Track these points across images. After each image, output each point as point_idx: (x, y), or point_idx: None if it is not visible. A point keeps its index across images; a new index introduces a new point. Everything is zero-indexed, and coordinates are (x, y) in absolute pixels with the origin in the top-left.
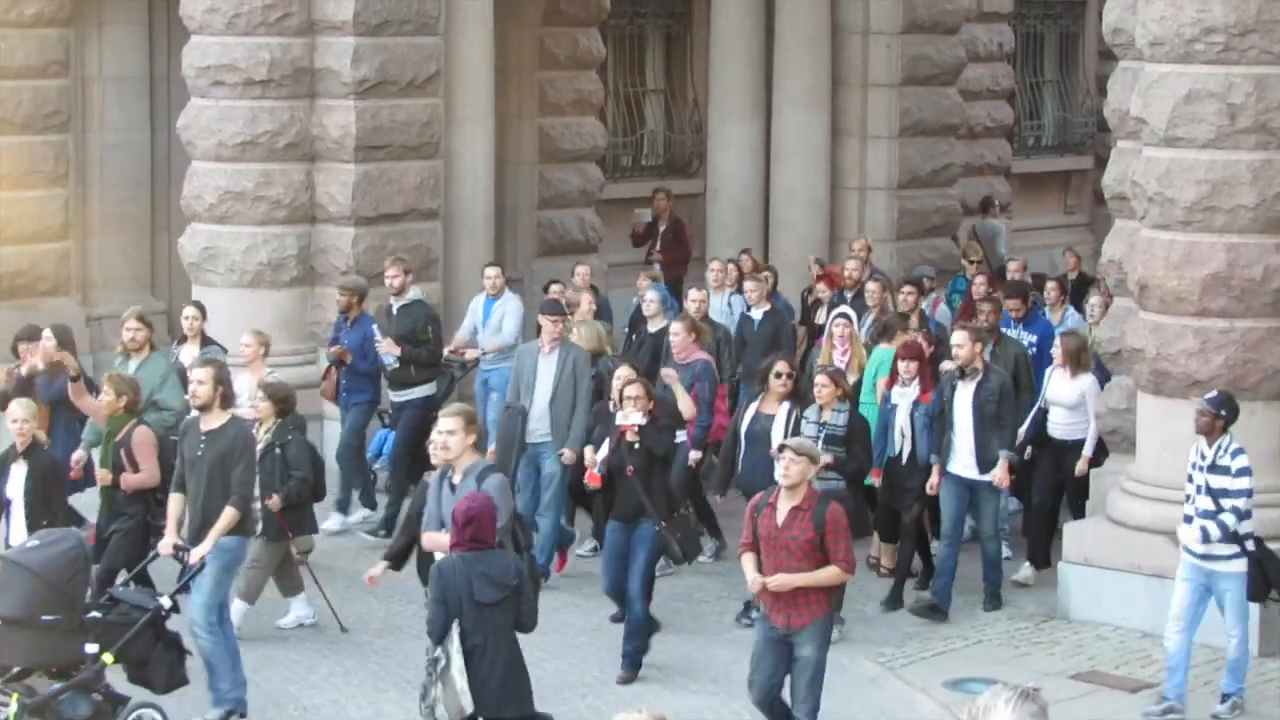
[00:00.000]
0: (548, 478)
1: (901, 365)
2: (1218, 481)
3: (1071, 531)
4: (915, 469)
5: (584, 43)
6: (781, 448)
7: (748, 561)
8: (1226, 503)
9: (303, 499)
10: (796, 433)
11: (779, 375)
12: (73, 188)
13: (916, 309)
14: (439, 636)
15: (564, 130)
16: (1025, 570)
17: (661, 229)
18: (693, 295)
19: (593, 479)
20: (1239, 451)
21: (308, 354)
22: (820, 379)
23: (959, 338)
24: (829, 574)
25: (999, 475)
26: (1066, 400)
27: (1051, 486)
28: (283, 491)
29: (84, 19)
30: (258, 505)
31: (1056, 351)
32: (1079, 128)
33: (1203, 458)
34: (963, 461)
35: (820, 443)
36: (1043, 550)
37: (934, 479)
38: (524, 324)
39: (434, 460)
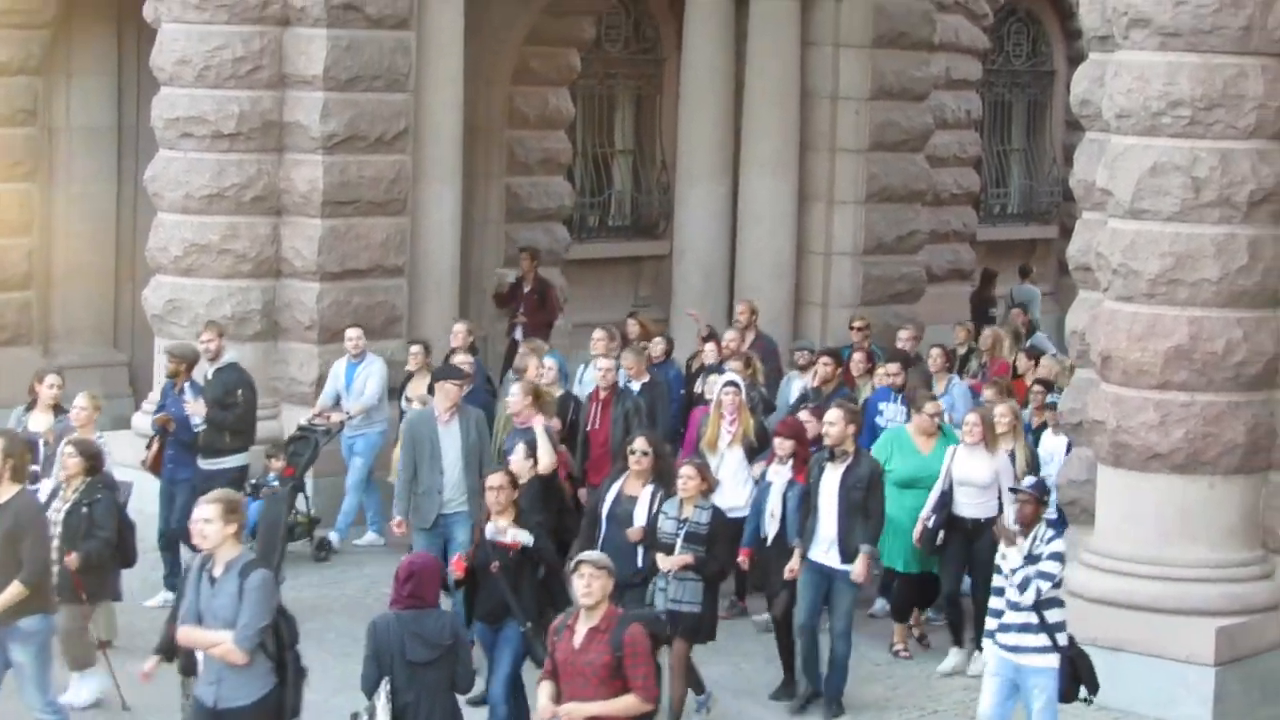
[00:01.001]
0: (460, 547)
1: (777, 443)
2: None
3: None
4: (783, 553)
5: (553, 102)
6: (578, 565)
7: (543, 691)
8: (1035, 567)
9: (103, 560)
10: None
11: (634, 453)
12: (37, 237)
13: (834, 380)
14: (369, 693)
15: (531, 189)
16: (950, 660)
17: (526, 290)
18: (601, 365)
19: (457, 566)
20: (1055, 537)
21: (270, 409)
22: (685, 471)
23: (832, 415)
24: (625, 703)
25: (858, 570)
26: (979, 479)
27: (964, 569)
28: (82, 550)
29: (53, 68)
30: (57, 570)
31: (966, 428)
32: (1045, 196)
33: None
34: (823, 549)
35: (680, 540)
36: (958, 634)
37: (793, 563)
38: (386, 387)
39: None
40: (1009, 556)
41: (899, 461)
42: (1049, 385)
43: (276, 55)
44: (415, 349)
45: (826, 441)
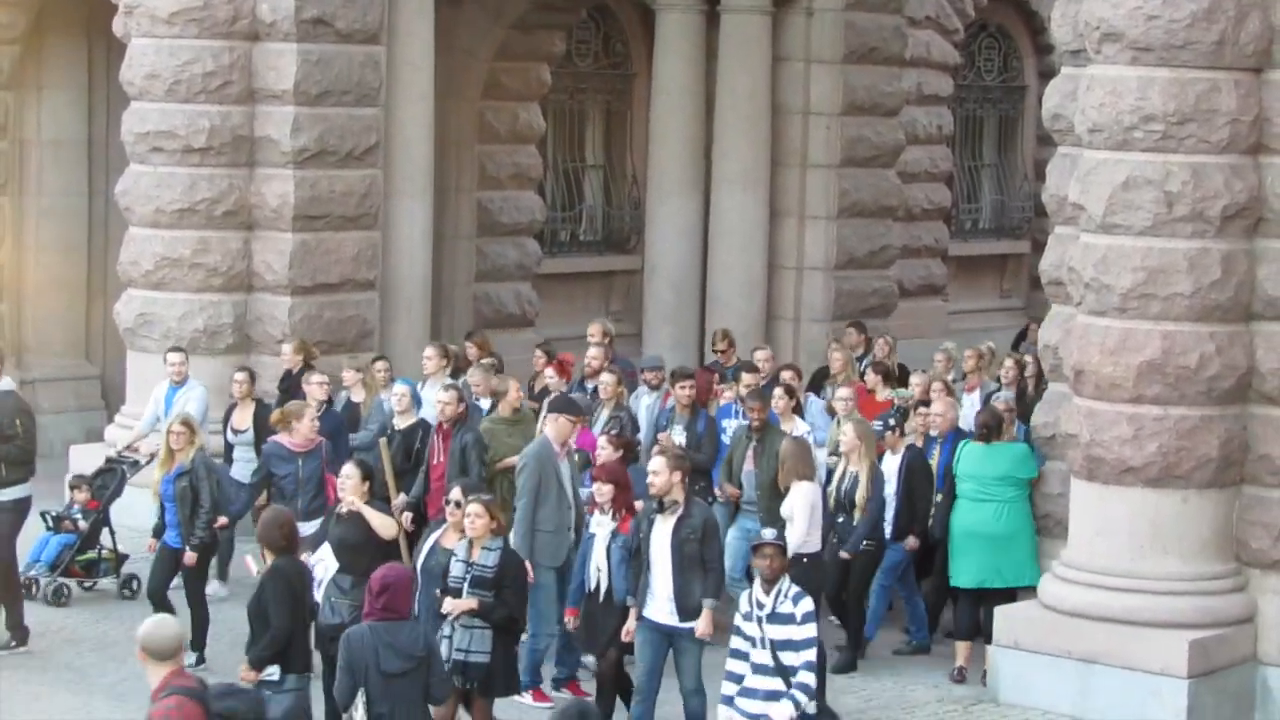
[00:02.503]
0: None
1: (595, 489)
2: (780, 632)
3: (1002, 615)
4: (611, 609)
5: (524, 117)
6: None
7: None
8: (792, 657)
9: None
10: None
11: (449, 504)
12: (9, 251)
13: (691, 403)
14: (345, 704)
15: (502, 204)
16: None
17: None
18: (441, 397)
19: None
20: (800, 595)
21: None
22: (473, 509)
23: (655, 464)
24: None
25: (702, 627)
26: (785, 512)
27: None
28: None
29: (23, 83)
30: None
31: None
32: (1016, 212)
33: (759, 606)
34: (660, 607)
35: (466, 585)
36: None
37: (630, 624)
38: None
39: None
40: (749, 618)
41: None
42: (923, 403)
43: (246, 70)
44: (240, 376)
45: (652, 491)
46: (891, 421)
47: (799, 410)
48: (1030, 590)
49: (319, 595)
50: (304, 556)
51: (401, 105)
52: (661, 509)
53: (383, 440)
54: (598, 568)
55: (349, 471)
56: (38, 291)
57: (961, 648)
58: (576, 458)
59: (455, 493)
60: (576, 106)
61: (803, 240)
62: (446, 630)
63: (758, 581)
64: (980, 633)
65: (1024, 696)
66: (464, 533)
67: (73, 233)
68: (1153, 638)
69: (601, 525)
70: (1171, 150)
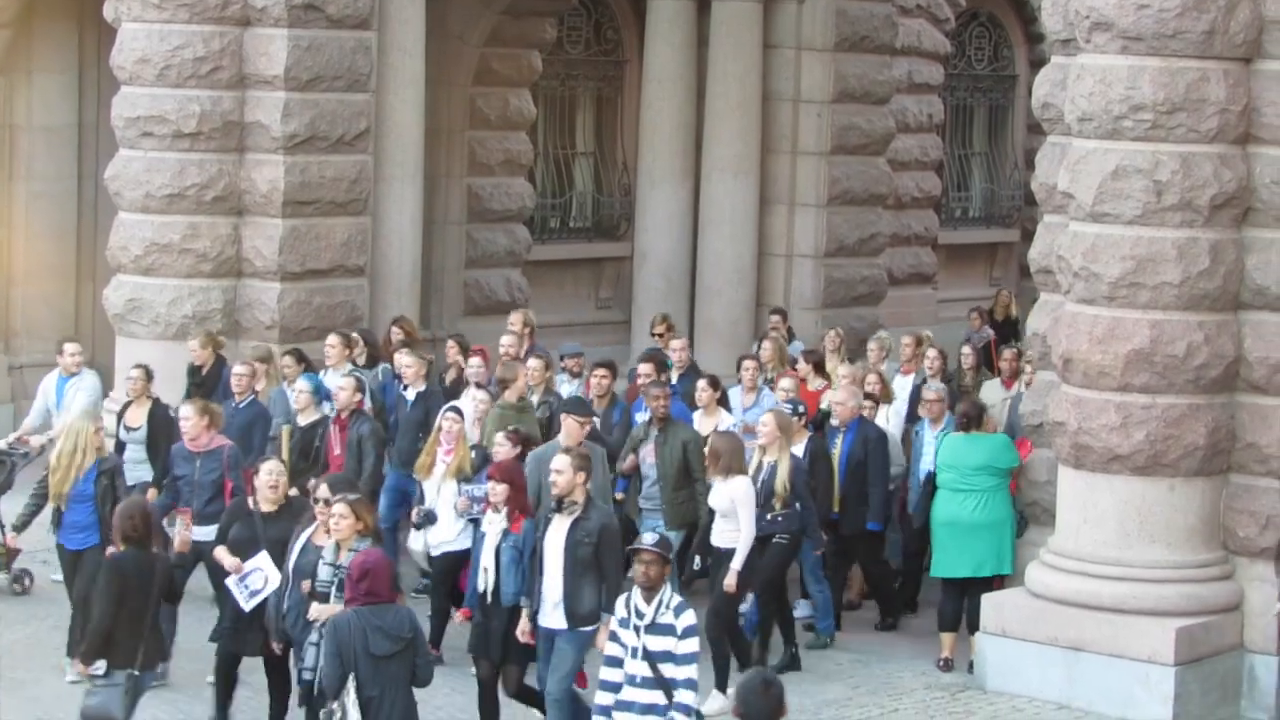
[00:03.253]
0: None
1: (490, 487)
2: (659, 643)
3: (990, 603)
4: (499, 611)
5: (514, 103)
6: None
7: None
8: (672, 670)
9: None
10: None
11: (319, 502)
12: None
13: (608, 393)
14: (335, 691)
15: (493, 190)
16: (713, 702)
17: None
18: (340, 383)
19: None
20: (683, 606)
21: None
22: (338, 509)
23: (559, 462)
24: None
25: (600, 641)
26: (720, 506)
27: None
28: None
29: (13, 67)
30: None
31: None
32: (1006, 200)
33: (639, 615)
34: (549, 610)
35: (334, 589)
36: (723, 676)
37: (523, 626)
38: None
39: None
40: (626, 625)
41: None
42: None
43: (237, 55)
44: (135, 373)
45: (554, 491)
46: (801, 409)
47: (724, 402)
48: (1006, 580)
49: (247, 603)
50: (240, 564)
51: (392, 91)
52: (559, 509)
53: (285, 428)
54: (485, 568)
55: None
56: (27, 276)
57: (946, 638)
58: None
59: (323, 490)
60: (567, 93)
61: (793, 228)
62: (315, 637)
63: (637, 589)
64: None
65: (1011, 684)
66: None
67: (62, 218)
68: (1139, 625)
69: (493, 524)
70: (1161, 139)
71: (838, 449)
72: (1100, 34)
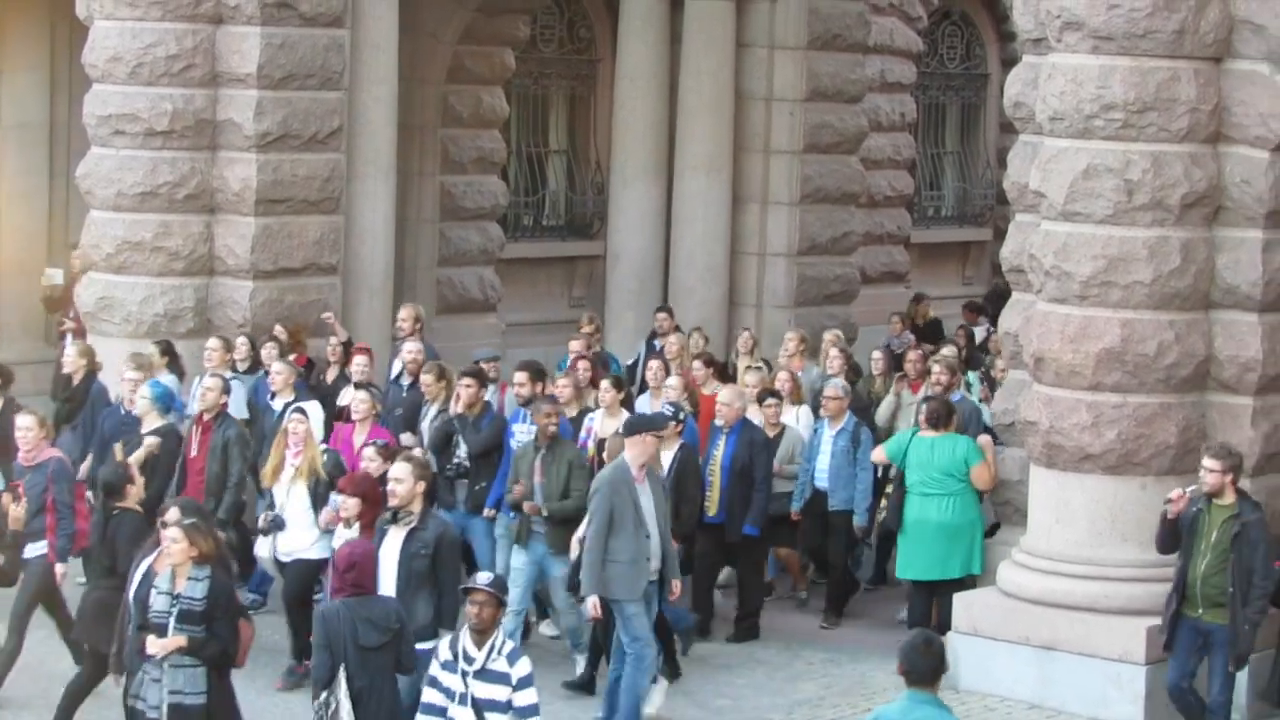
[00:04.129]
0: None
1: (341, 501)
2: (488, 691)
3: (961, 602)
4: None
5: (487, 101)
6: None
7: None
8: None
9: None
10: None
11: (166, 525)
12: None
13: (478, 403)
14: (325, 682)
15: (465, 188)
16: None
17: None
18: (206, 383)
19: None
20: (517, 653)
21: None
22: (170, 533)
23: (399, 470)
24: None
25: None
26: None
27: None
28: None
29: None
30: None
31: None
32: (978, 199)
33: (467, 659)
34: None
35: (173, 620)
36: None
37: None
38: None
39: None
40: (449, 667)
41: None
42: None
43: (210, 53)
44: None
45: (392, 501)
46: (680, 414)
47: (629, 404)
48: (976, 580)
49: None
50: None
51: (365, 89)
52: (395, 519)
53: (118, 445)
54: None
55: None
56: None
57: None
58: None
59: (172, 513)
60: (540, 91)
61: (765, 226)
62: (155, 673)
63: (468, 630)
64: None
65: (983, 683)
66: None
67: (34, 215)
68: (1111, 624)
69: (343, 538)
70: (1132, 139)
71: (720, 450)
72: (1071, 33)
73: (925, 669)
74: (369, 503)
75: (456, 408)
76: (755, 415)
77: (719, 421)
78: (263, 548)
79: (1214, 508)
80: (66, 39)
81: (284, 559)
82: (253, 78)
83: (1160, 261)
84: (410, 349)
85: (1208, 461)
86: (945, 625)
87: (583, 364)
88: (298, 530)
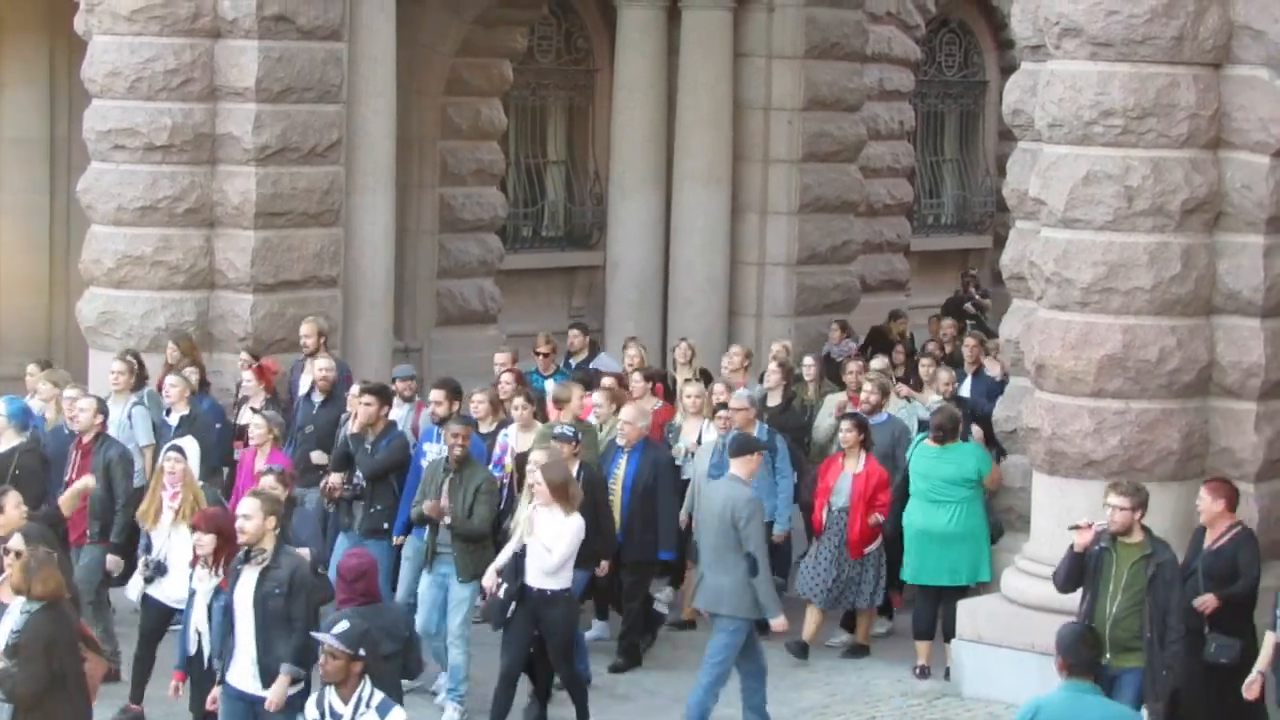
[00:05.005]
0: None
1: (196, 539)
2: None
3: (965, 609)
4: (211, 676)
5: (486, 113)
6: None
7: None
8: None
9: None
10: None
11: (9, 553)
12: None
13: (379, 420)
14: None
15: (465, 200)
16: None
17: None
18: (81, 404)
19: None
20: (388, 705)
21: None
22: (8, 562)
23: (247, 506)
24: None
25: (272, 696)
26: (548, 542)
27: (527, 646)
28: None
29: None
30: None
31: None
32: (978, 207)
33: (334, 715)
34: (243, 670)
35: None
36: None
37: (213, 693)
38: None
39: None
40: None
41: None
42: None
43: (208, 67)
44: None
45: (242, 539)
46: (569, 432)
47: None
48: (985, 587)
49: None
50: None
51: (363, 101)
52: (248, 559)
53: None
54: (197, 630)
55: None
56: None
57: (922, 646)
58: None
59: (15, 540)
60: (538, 102)
61: (765, 236)
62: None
63: (330, 685)
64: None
65: (987, 690)
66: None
67: (34, 231)
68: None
69: (203, 581)
70: (1131, 145)
71: (621, 470)
72: (1070, 40)
73: (1086, 659)
74: (225, 538)
75: (353, 427)
76: (698, 427)
77: (620, 440)
78: (133, 590)
79: (1121, 547)
80: (66, 54)
81: (175, 606)
82: (251, 91)
83: (1161, 267)
84: (322, 366)
85: (1114, 499)
86: (950, 632)
87: (507, 377)
88: (178, 578)
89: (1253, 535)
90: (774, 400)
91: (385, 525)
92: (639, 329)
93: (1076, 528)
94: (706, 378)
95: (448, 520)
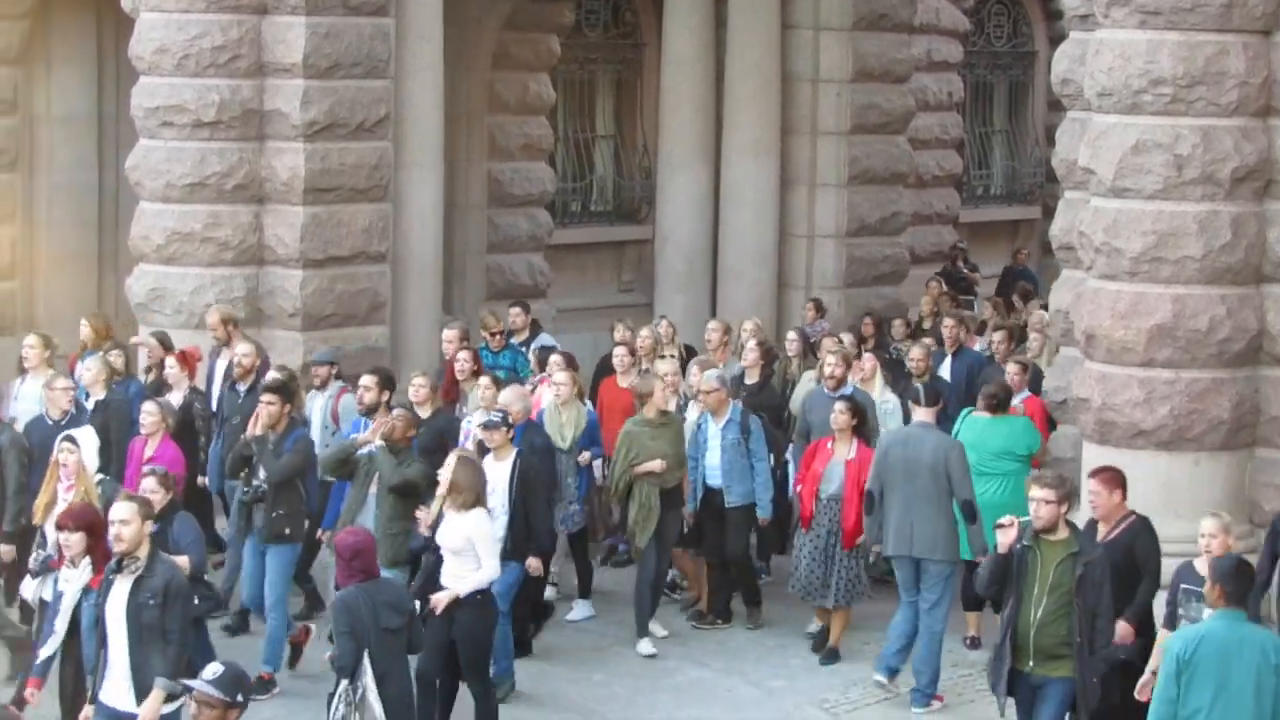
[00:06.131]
0: None
1: (62, 538)
2: None
3: None
4: (81, 685)
5: (534, 88)
6: None
7: None
8: None
9: None
10: None
11: None
12: (20, 227)
13: (283, 418)
14: (351, 669)
15: (513, 175)
16: None
17: None
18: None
19: None
20: None
21: None
22: None
23: (123, 510)
24: None
25: (145, 715)
26: (452, 544)
27: (437, 651)
28: None
29: (32, 58)
30: None
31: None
32: (1027, 177)
33: None
34: (116, 687)
35: None
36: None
37: (85, 712)
38: None
39: None
40: None
41: None
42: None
43: (255, 43)
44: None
45: (119, 548)
46: (497, 418)
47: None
48: None
49: None
50: None
51: (411, 77)
52: (119, 568)
53: None
54: (57, 633)
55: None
56: (49, 267)
57: (971, 617)
58: None
59: None
60: (586, 76)
61: (814, 208)
62: None
63: None
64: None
65: None
66: None
67: (83, 208)
68: (1163, 599)
69: (70, 581)
70: (1181, 113)
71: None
72: (1118, 8)
73: (1241, 590)
74: (95, 536)
75: (255, 429)
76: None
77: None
78: (27, 589)
79: (1045, 545)
80: (113, 32)
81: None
82: (299, 67)
83: (1211, 236)
84: (241, 351)
85: (1038, 492)
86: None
87: (464, 356)
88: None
89: (1148, 523)
90: (751, 379)
91: (288, 530)
92: (688, 303)
93: (1000, 526)
94: (691, 354)
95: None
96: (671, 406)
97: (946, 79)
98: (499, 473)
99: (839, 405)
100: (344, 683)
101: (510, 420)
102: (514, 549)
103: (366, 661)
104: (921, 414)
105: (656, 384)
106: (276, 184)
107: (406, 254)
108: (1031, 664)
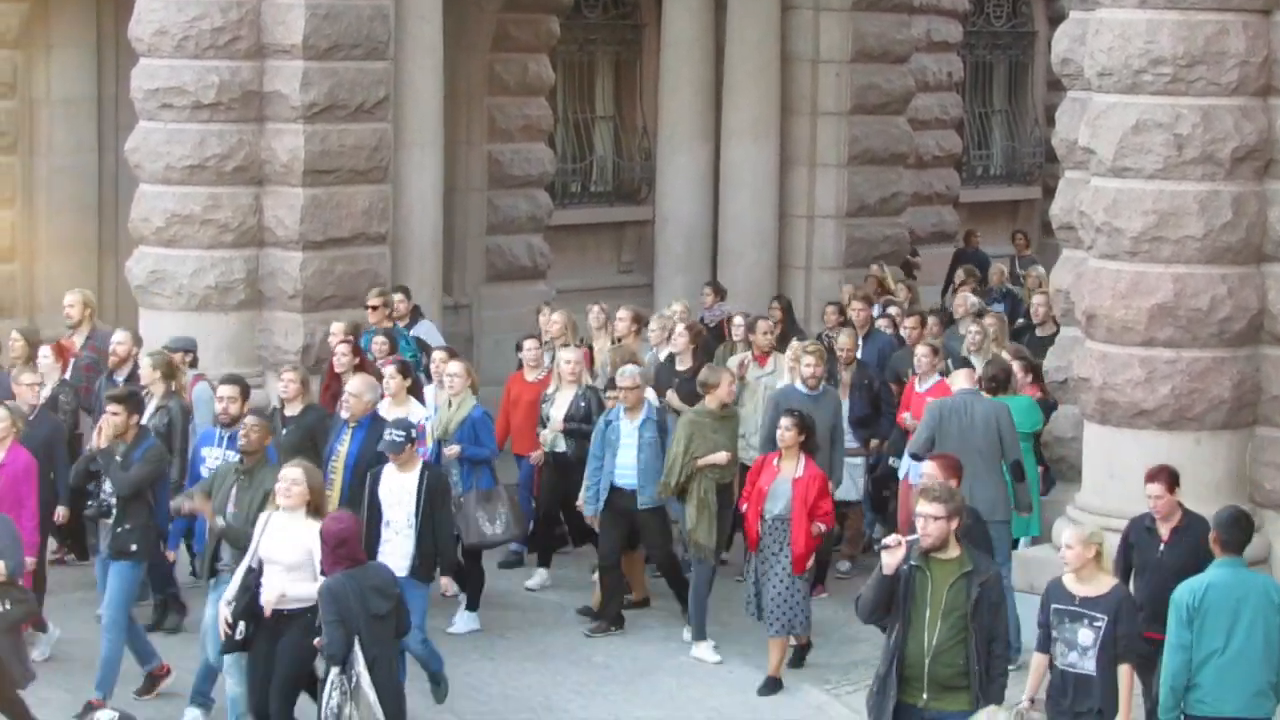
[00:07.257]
0: None
1: None
2: None
3: (1019, 560)
4: None
5: (533, 69)
6: None
7: None
8: None
9: None
10: None
11: None
12: (20, 210)
13: (130, 428)
14: (342, 657)
15: (513, 156)
16: None
17: None
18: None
19: None
20: None
21: (254, 379)
22: None
23: None
24: None
25: None
26: (284, 557)
27: (269, 675)
28: None
29: (31, 41)
30: None
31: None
32: (1027, 157)
33: None
34: None
35: None
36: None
37: None
38: None
39: None
40: None
41: None
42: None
43: (255, 25)
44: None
45: None
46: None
47: (417, 393)
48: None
49: None
50: None
51: (410, 58)
52: None
53: None
54: None
55: None
56: (49, 250)
57: None
58: None
59: None
60: (586, 58)
61: (814, 189)
62: None
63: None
64: None
65: None
66: None
67: (83, 191)
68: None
69: None
70: (1181, 93)
71: (344, 446)
72: None
73: (1240, 539)
74: None
75: (99, 441)
76: (569, 397)
77: (344, 414)
78: None
79: (935, 564)
80: (112, 14)
81: None
82: (298, 48)
83: (1211, 216)
84: (118, 338)
85: (926, 507)
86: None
87: (343, 349)
88: None
89: (1201, 518)
90: (684, 364)
91: (133, 547)
92: (688, 284)
93: (885, 547)
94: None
95: (220, 523)
96: (572, 395)
97: (946, 59)
98: (405, 485)
99: (784, 421)
100: (335, 671)
101: (412, 434)
102: (422, 567)
103: (358, 649)
104: (963, 380)
105: (725, 375)
106: (276, 166)
107: (406, 235)
108: (926, 696)
